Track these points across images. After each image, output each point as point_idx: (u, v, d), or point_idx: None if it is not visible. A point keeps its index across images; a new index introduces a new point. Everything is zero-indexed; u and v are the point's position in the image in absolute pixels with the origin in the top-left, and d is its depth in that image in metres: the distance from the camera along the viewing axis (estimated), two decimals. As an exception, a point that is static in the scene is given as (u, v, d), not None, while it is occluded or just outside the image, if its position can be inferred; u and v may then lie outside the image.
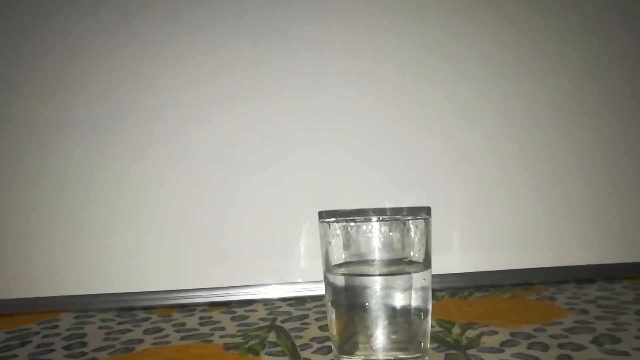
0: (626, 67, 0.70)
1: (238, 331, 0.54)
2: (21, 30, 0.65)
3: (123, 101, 0.66)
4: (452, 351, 0.46)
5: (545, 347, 0.45)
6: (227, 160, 0.67)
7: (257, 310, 0.62)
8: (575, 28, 0.70)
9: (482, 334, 0.50)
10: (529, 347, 0.46)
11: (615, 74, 0.70)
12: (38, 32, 0.66)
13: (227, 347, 0.50)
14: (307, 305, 0.63)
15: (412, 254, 0.43)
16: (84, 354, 0.49)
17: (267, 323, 0.57)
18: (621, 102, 0.70)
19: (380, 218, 0.46)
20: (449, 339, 0.49)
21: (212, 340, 0.52)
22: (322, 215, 0.64)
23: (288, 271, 0.67)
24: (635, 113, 0.71)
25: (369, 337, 0.41)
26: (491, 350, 0.45)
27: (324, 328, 0.54)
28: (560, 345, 0.46)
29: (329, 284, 0.44)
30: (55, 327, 0.59)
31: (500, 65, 0.69)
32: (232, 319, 0.59)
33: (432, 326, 0.47)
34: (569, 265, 0.70)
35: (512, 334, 0.49)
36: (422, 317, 0.43)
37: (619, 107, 0.70)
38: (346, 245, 0.43)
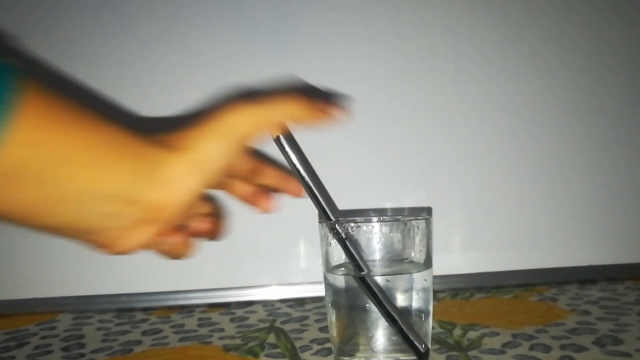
0: (628, 67, 0.70)
1: (237, 332, 0.54)
2: (22, 31, 0.65)
3: (123, 100, 0.66)
4: (454, 353, 0.45)
5: (547, 349, 0.45)
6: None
7: (256, 312, 0.62)
8: (577, 27, 0.69)
9: (484, 335, 0.50)
10: (531, 348, 0.46)
11: (616, 73, 0.70)
12: (39, 32, 0.66)
13: (227, 348, 0.49)
14: (307, 307, 0.63)
15: (413, 254, 0.43)
16: (82, 355, 0.49)
17: (267, 324, 0.56)
18: (623, 102, 0.70)
19: (381, 218, 0.46)
20: (450, 341, 0.48)
21: (211, 342, 0.51)
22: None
23: (288, 272, 0.67)
24: (638, 112, 0.70)
25: (370, 338, 0.41)
26: (493, 351, 0.45)
27: (324, 329, 0.53)
28: (562, 347, 0.45)
29: (329, 285, 0.44)
30: (54, 328, 0.59)
31: (500, 64, 0.69)
32: (232, 320, 0.59)
33: (433, 327, 0.47)
34: (571, 266, 0.69)
35: (514, 335, 0.49)
36: (423, 318, 0.42)
37: (622, 106, 0.70)
38: (346, 246, 0.43)
